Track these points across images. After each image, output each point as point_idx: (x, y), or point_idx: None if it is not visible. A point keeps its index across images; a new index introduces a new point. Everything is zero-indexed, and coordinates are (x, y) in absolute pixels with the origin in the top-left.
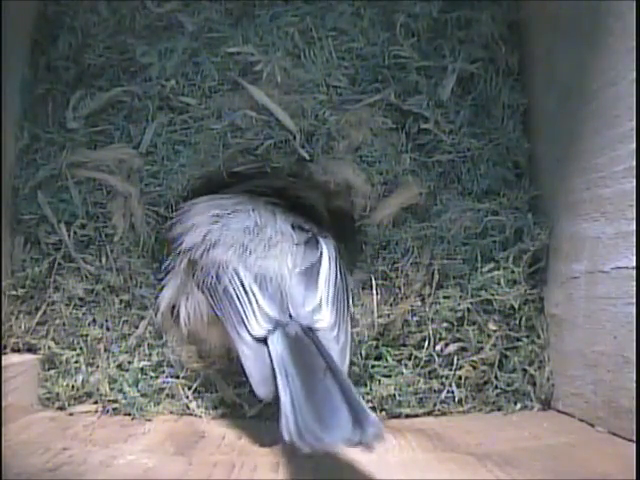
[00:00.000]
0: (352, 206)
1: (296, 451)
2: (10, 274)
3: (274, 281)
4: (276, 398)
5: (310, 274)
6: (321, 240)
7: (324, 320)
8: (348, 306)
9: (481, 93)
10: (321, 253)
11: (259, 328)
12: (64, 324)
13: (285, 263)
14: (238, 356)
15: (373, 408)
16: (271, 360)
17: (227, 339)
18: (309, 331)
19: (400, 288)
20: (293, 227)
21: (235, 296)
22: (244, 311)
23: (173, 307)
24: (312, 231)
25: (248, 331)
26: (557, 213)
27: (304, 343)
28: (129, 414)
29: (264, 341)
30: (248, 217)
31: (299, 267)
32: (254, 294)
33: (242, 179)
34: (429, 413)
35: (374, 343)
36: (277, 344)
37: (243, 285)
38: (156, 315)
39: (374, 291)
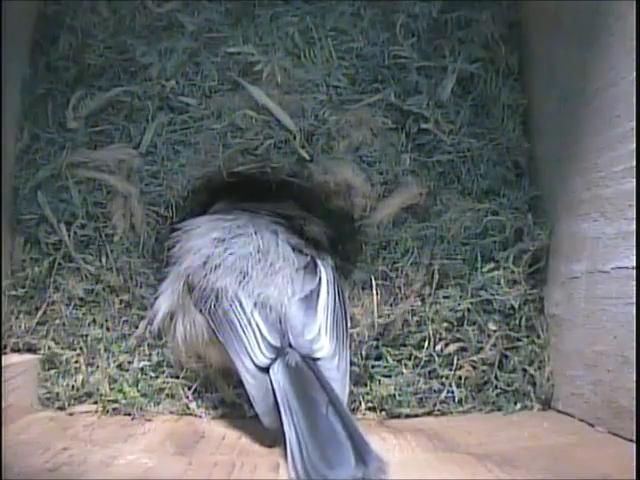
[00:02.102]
0: (352, 206)
1: None
2: (10, 274)
3: (274, 309)
4: (280, 427)
5: (309, 301)
6: (320, 264)
7: (323, 349)
8: (347, 332)
9: (481, 93)
10: (320, 279)
11: (262, 357)
12: (64, 324)
13: (285, 290)
14: (241, 382)
15: (373, 408)
16: (273, 391)
17: (227, 359)
18: (309, 360)
19: (400, 288)
20: (294, 250)
21: (237, 323)
22: (247, 339)
23: (171, 316)
24: (312, 254)
25: (252, 360)
26: (557, 213)
27: (305, 374)
28: (129, 414)
29: (267, 370)
30: (250, 241)
31: (298, 294)
32: (256, 322)
33: (244, 184)
34: (429, 413)
35: (374, 343)
36: (278, 375)
37: (244, 311)
38: (153, 322)
39: (374, 291)
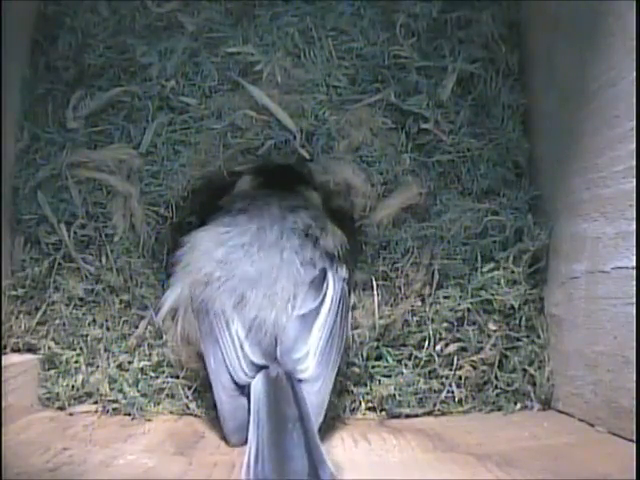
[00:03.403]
0: (352, 206)
1: None
2: (10, 274)
3: (269, 331)
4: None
5: (306, 320)
6: (330, 277)
7: (307, 371)
8: (339, 353)
9: (481, 93)
10: (324, 296)
11: (243, 375)
12: (64, 324)
13: (284, 309)
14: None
15: (373, 408)
16: (249, 403)
17: None
18: (291, 377)
19: (400, 288)
20: (302, 264)
21: (223, 345)
22: (230, 360)
23: (175, 312)
24: (324, 266)
25: (231, 377)
26: (557, 213)
27: (283, 388)
28: (129, 414)
29: (244, 388)
30: (253, 261)
31: (297, 311)
32: (243, 347)
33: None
34: (429, 413)
35: (374, 344)
36: (257, 386)
37: (232, 338)
38: (156, 315)
39: (375, 292)
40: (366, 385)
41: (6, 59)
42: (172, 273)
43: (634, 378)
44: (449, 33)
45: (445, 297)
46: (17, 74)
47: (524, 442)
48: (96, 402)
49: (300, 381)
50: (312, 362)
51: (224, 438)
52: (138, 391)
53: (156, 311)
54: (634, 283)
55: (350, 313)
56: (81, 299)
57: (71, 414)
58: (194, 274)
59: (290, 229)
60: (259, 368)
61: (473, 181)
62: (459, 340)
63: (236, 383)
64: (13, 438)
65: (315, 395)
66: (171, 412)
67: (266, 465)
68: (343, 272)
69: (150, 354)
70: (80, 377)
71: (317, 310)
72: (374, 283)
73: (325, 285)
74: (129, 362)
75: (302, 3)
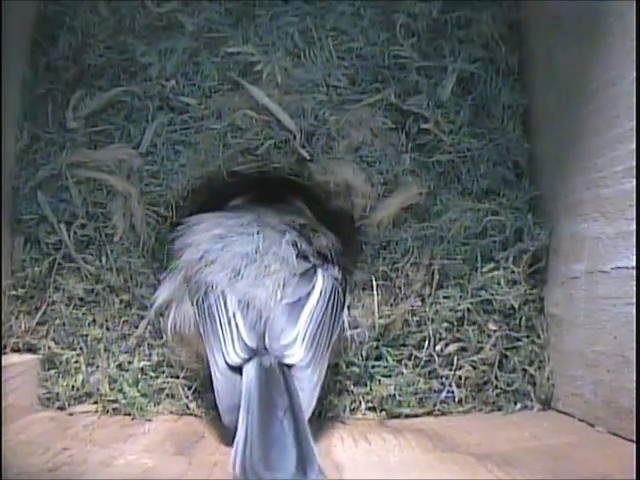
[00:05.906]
0: (352, 206)
1: None
2: (10, 274)
3: (257, 310)
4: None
5: (295, 308)
6: (320, 273)
7: (295, 356)
8: (330, 344)
9: (481, 93)
10: (313, 287)
11: (235, 356)
12: (64, 324)
13: (274, 294)
14: (210, 378)
15: (373, 408)
16: (241, 389)
17: None
18: (284, 365)
19: (400, 288)
20: (297, 255)
21: (218, 319)
22: (223, 337)
23: (167, 307)
24: (315, 262)
25: (224, 357)
26: (557, 213)
27: (275, 377)
28: (129, 414)
29: (239, 369)
30: (250, 241)
31: (287, 299)
32: (236, 321)
33: (250, 186)
34: (429, 413)
35: (374, 343)
36: (250, 373)
37: (227, 309)
38: (151, 310)
39: (375, 292)
40: (366, 385)
41: (6, 59)
42: (166, 269)
43: (634, 378)
44: (449, 33)
45: (445, 297)
46: (17, 74)
47: (524, 442)
48: (96, 402)
49: (290, 367)
50: (300, 348)
51: (224, 438)
52: (138, 391)
53: (149, 307)
54: (634, 283)
55: (345, 311)
56: (81, 299)
57: (71, 414)
58: (191, 253)
59: (287, 224)
60: (251, 351)
61: (473, 181)
62: (459, 340)
63: (230, 364)
64: (13, 438)
65: (307, 381)
66: (171, 412)
67: (254, 454)
68: (335, 272)
69: (150, 354)
70: (80, 377)
71: (306, 299)
72: (374, 283)
73: (315, 279)
74: (129, 362)
75: (302, 3)
